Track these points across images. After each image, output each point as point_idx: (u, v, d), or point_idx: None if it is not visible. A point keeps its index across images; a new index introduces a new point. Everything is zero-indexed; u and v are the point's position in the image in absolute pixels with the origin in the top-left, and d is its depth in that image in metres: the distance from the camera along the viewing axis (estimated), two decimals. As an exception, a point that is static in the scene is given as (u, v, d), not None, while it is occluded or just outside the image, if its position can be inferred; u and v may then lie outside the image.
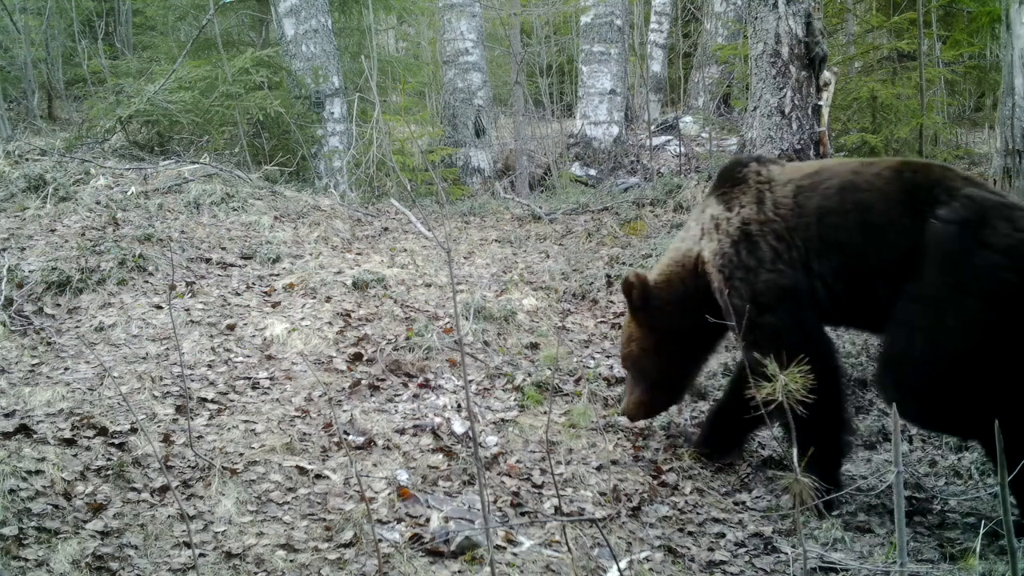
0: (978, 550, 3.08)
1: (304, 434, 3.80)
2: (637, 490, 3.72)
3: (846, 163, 3.76)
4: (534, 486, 3.68)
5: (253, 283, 5.38)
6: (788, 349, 3.32)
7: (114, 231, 5.80)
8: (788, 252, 3.58)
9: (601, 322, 5.54)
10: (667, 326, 3.98)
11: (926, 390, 3.33)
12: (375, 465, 3.64)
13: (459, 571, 2.99)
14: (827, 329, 3.81)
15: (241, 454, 3.59)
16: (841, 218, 3.51)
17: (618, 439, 4.16)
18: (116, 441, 3.53)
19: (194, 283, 5.24)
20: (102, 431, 3.58)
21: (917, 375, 3.33)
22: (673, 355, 4.04)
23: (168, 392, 4.02)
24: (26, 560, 2.79)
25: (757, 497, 3.79)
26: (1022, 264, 3.24)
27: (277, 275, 5.56)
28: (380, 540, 3.05)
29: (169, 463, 3.44)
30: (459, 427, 4.01)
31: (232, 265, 5.66)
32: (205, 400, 4.00)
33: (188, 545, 2.96)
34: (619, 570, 2.72)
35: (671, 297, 3.95)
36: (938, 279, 3.33)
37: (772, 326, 3.59)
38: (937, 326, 3.30)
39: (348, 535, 3.11)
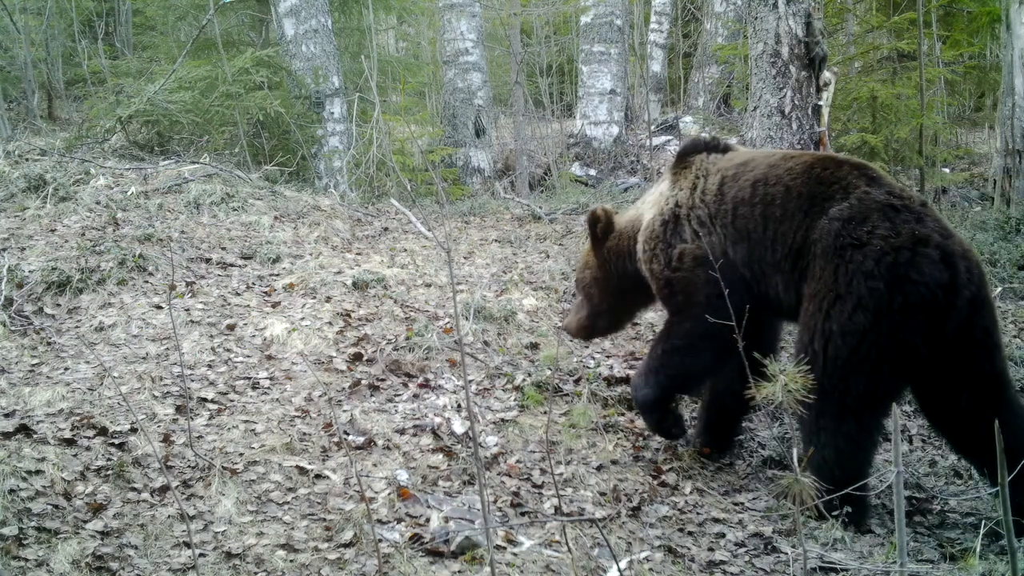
0: (978, 550, 3.08)
1: (304, 434, 3.80)
2: (637, 490, 3.72)
3: (771, 156, 3.81)
4: (534, 486, 3.68)
5: (253, 283, 5.38)
6: (699, 302, 3.67)
7: (114, 231, 5.80)
8: (708, 237, 3.73)
9: (601, 322, 5.53)
10: (615, 270, 4.22)
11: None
12: (375, 465, 3.64)
13: (459, 571, 2.99)
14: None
15: (241, 454, 3.59)
16: (750, 209, 3.62)
17: (618, 439, 4.16)
18: (116, 441, 3.53)
19: (194, 283, 5.24)
20: (102, 431, 3.58)
21: (815, 373, 3.34)
22: (616, 293, 4.26)
23: (168, 392, 4.02)
24: (26, 560, 2.79)
25: (756, 497, 3.79)
26: (891, 275, 3.24)
27: (277, 275, 5.56)
28: (380, 540, 3.05)
29: (169, 463, 3.44)
30: (459, 427, 4.01)
31: (232, 265, 5.65)
32: (205, 400, 4.00)
33: (188, 545, 2.96)
34: (619, 570, 2.72)
35: (619, 248, 4.20)
36: (820, 277, 3.38)
37: (686, 279, 3.76)
38: (824, 326, 3.35)
39: (348, 535, 3.11)
